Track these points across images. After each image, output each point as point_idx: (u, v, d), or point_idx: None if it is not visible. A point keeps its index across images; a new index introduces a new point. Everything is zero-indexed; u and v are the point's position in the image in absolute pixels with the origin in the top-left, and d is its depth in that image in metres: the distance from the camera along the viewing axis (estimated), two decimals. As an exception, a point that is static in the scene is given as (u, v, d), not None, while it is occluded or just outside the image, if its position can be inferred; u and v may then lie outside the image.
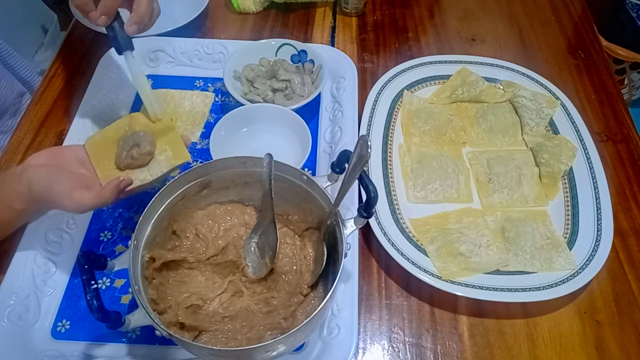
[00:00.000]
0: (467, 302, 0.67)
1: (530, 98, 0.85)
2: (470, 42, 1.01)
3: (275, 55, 0.88)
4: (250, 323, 0.57)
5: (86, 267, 0.48)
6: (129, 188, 0.61)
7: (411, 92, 0.87)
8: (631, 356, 0.64)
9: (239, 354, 0.51)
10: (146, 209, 0.55)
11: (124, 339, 0.62)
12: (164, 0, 1.03)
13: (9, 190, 0.60)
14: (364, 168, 0.51)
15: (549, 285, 0.65)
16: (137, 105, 0.85)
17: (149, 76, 0.89)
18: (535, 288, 0.65)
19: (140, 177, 0.63)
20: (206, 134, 0.81)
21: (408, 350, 0.64)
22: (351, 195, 0.71)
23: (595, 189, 0.74)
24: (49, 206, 0.61)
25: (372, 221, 0.69)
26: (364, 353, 0.63)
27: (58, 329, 0.62)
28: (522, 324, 0.66)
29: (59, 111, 0.85)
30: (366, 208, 0.52)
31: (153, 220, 0.56)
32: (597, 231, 0.70)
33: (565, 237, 0.71)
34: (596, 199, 0.73)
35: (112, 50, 0.87)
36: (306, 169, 0.77)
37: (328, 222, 0.57)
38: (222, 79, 0.82)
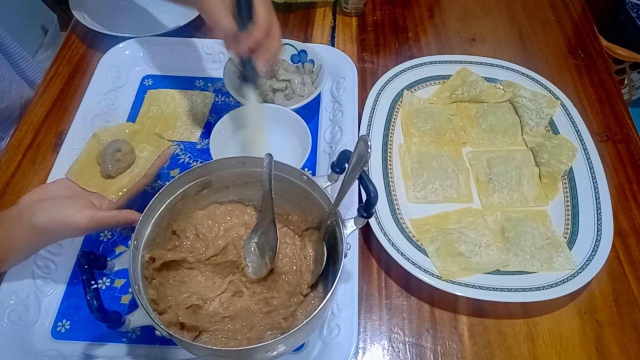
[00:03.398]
0: (467, 302, 0.67)
1: (530, 98, 0.85)
2: (470, 42, 1.01)
3: (275, 55, 0.88)
4: (250, 323, 0.57)
5: (86, 267, 0.48)
6: (127, 192, 0.63)
7: (411, 92, 0.87)
8: (631, 356, 0.64)
9: (239, 354, 0.51)
10: (146, 209, 0.55)
11: (124, 339, 0.62)
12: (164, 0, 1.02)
13: (8, 230, 0.58)
14: (364, 168, 0.51)
15: (549, 285, 0.65)
16: (137, 105, 0.85)
17: (149, 76, 0.90)
18: (535, 288, 0.65)
19: (132, 175, 0.65)
20: (206, 134, 0.81)
21: (408, 350, 0.64)
22: (351, 195, 0.71)
23: (595, 189, 0.74)
24: (60, 233, 0.59)
25: (372, 221, 0.69)
26: (364, 353, 0.63)
27: (58, 329, 0.62)
28: (522, 324, 0.66)
29: (59, 111, 0.85)
30: (366, 208, 0.52)
31: (153, 220, 0.56)
32: (597, 231, 0.70)
33: (565, 237, 0.71)
34: (596, 199, 0.73)
35: (112, 50, 0.88)
36: (306, 169, 0.77)
37: (328, 222, 0.57)
38: (222, 79, 0.82)
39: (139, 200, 0.69)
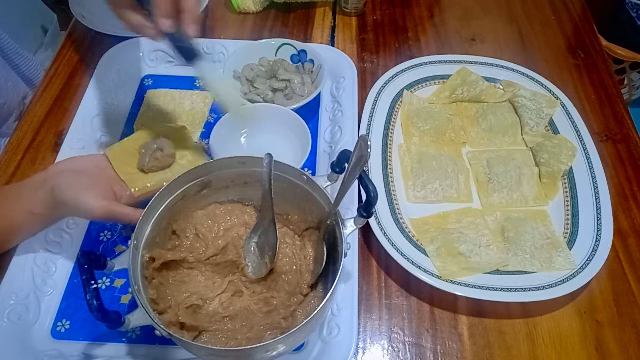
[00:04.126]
0: (467, 302, 0.67)
1: (530, 98, 0.85)
2: (470, 42, 1.01)
3: (275, 55, 0.88)
4: (250, 323, 0.57)
5: (86, 267, 0.48)
6: (151, 192, 0.63)
7: (411, 92, 0.87)
8: (631, 356, 0.64)
9: (239, 354, 0.51)
10: (146, 209, 0.55)
11: (124, 339, 0.62)
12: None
13: (30, 195, 0.60)
14: (364, 168, 0.51)
15: (549, 285, 0.65)
16: (137, 105, 0.85)
17: (149, 76, 0.90)
18: (535, 288, 0.65)
19: (165, 179, 0.65)
20: (206, 134, 0.81)
21: (408, 350, 0.64)
22: (351, 195, 0.71)
23: (595, 189, 0.74)
24: (73, 212, 0.61)
25: (372, 221, 0.69)
26: (364, 353, 0.63)
27: (58, 329, 0.62)
28: (522, 324, 0.66)
29: (59, 111, 0.85)
30: (366, 208, 0.52)
31: (153, 220, 0.56)
32: (597, 231, 0.70)
33: (565, 237, 0.71)
34: (596, 199, 0.73)
35: (112, 50, 0.88)
36: (306, 169, 0.77)
37: (328, 222, 0.57)
38: (222, 79, 0.82)
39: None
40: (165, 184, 0.63)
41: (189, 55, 0.61)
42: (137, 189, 0.64)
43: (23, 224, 0.62)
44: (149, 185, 0.65)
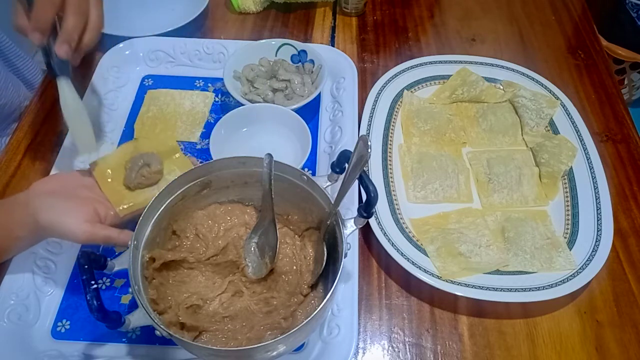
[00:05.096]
0: (467, 302, 0.67)
1: (530, 98, 0.85)
2: (470, 42, 1.01)
3: (275, 55, 0.88)
4: (250, 323, 0.57)
5: (86, 267, 0.48)
6: (136, 210, 0.61)
7: (411, 92, 0.87)
8: (631, 356, 0.64)
9: (239, 354, 0.51)
10: (146, 209, 0.55)
11: (124, 339, 0.62)
12: (165, 0, 1.03)
13: (11, 217, 0.58)
14: (364, 168, 0.51)
15: (549, 285, 0.65)
16: (137, 105, 0.85)
17: (149, 76, 0.90)
18: (535, 288, 0.65)
19: (149, 195, 0.63)
20: (206, 134, 0.81)
21: (408, 350, 0.64)
22: (351, 195, 0.71)
23: (595, 189, 0.74)
24: (56, 235, 0.59)
25: (372, 221, 0.69)
26: (364, 353, 0.63)
27: (58, 329, 0.62)
28: (522, 324, 0.66)
29: (59, 111, 0.85)
30: (366, 208, 0.52)
31: (153, 220, 0.56)
32: (597, 231, 0.70)
33: (565, 237, 0.71)
34: (596, 199, 0.73)
35: (112, 50, 0.88)
36: (306, 169, 0.77)
37: (328, 222, 0.57)
38: (222, 79, 0.82)
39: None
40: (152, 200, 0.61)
41: (54, 70, 0.60)
42: (122, 208, 0.62)
43: (5, 248, 0.60)
44: (135, 204, 0.63)
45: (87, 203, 0.60)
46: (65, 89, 0.61)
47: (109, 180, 0.64)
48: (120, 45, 0.89)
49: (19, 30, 0.58)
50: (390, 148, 0.80)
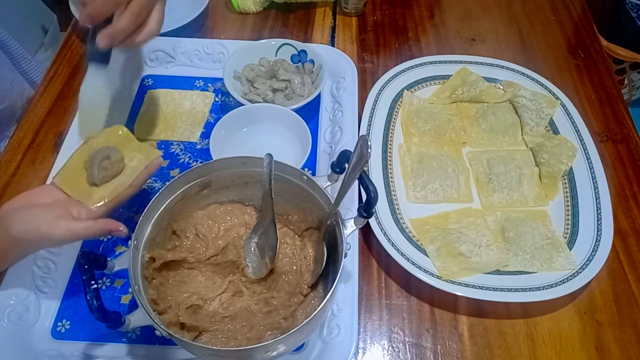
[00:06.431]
0: (467, 302, 0.67)
1: (530, 98, 0.85)
2: (470, 42, 1.01)
3: (275, 55, 0.88)
4: (250, 323, 0.57)
5: (86, 267, 0.48)
6: (110, 202, 0.61)
7: (411, 92, 0.87)
8: (631, 356, 0.64)
9: (239, 354, 0.51)
10: (146, 209, 0.55)
11: (124, 339, 0.62)
12: (164, 0, 1.02)
13: None
14: (364, 168, 0.51)
15: (549, 285, 0.65)
16: (137, 105, 0.85)
17: (149, 76, 0.90)
18: (535, 288, 0.65)
19: (119, 185, 0.62)
20: (206, 134, 0.81)
21: (408, 350, 0.64)
22: (351, 195, 0.71)
23: (595, 189, 0.74)
24: (36, 244, 0.57)
25: (372, 221, 0.69)
26: (364, 353, 0.63)
27: (58, 329, 0.62)
28: (522, 324, 0.66)
29: (59, 111, 0.85)
30: (366, 208, 0.52)
31: (153, 220, 0.56)
32: (597, 231, 0.70)
33: (565, 237, 0.71)
34: (596, 199, 0.73)
35: (112, 50, 0.87)
36: (306, 169, 0.77)
37: (328, 222, 0.57)
38: (222, 79, 0.82)
39: (139, 200, 0.70)
40: (122, 189, 0.61)
41: (92, 57, 0.60)
42: (96, 206, 0.60)
43: None
44: (105, 196, 0.62)
45: (59, 205, 0.59)
46: (91, 75, 0.61)
47: (74, 184, 0.62)
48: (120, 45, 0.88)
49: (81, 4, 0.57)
50: (390, 148, 0.80)
